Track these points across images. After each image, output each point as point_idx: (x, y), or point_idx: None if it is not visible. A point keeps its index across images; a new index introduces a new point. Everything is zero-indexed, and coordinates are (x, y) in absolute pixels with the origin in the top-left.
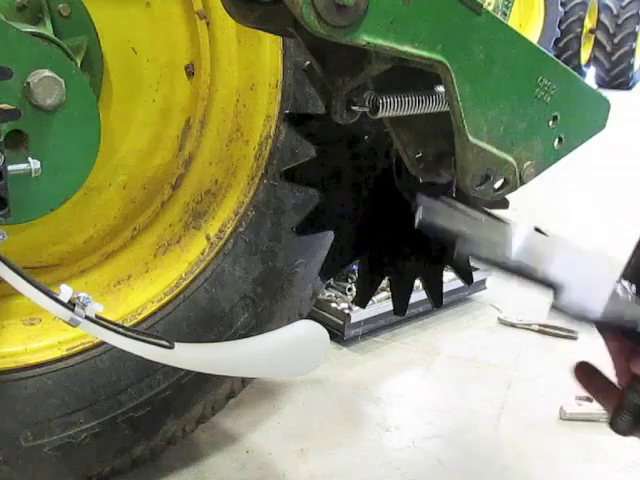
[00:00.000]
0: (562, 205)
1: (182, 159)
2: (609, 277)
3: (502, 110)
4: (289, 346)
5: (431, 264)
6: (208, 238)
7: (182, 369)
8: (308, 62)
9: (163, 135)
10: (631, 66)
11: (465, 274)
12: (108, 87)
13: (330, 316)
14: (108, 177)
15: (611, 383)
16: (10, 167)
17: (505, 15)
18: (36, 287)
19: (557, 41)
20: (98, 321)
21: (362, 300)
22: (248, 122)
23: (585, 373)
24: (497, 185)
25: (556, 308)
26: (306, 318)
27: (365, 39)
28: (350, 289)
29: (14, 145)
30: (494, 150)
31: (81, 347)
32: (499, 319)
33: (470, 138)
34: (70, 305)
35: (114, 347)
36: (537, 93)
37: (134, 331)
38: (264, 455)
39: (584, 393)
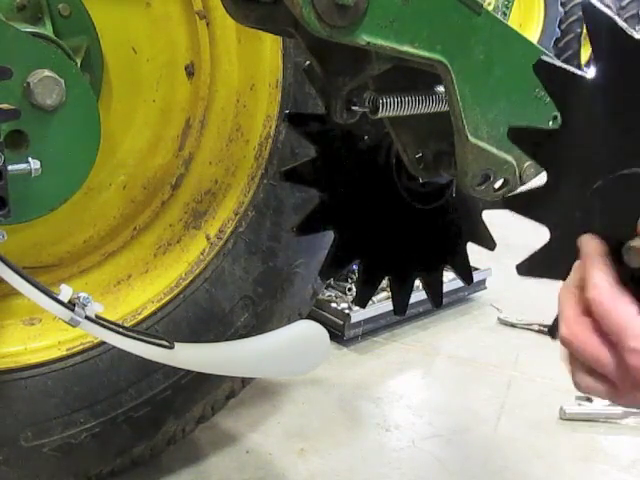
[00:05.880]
0: None
1: (182, 159)
2: None
3: (502, 110)
4: (289, 346)
5: (431, 264)
6: (208, 238)
7: (182, 369)
8: (308, 62)
9: (163, 135)
10: None
11: (465, 274)
12: (108, 87)
13: (330, 316)
14: (108, 177)
15: None
16: (10, 167)
17: (505, 15)
18: (36, 287)
19: (557, 41)
20: (98, 321)
21: (362, 300)
22: (248, 122)
23: None
24: (497, 185)
25: None
26: (306, 318)
27: (365, 39)
28: (350, 289)
29: (14, 145)
30: (494, 150)
31: (81, 347)
32: (499, 319)
33: (470, 138)
34: (70, 305)
35: (114, 347)
36: (537, 93)
37: (134, 331)
38: (264, 455)
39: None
